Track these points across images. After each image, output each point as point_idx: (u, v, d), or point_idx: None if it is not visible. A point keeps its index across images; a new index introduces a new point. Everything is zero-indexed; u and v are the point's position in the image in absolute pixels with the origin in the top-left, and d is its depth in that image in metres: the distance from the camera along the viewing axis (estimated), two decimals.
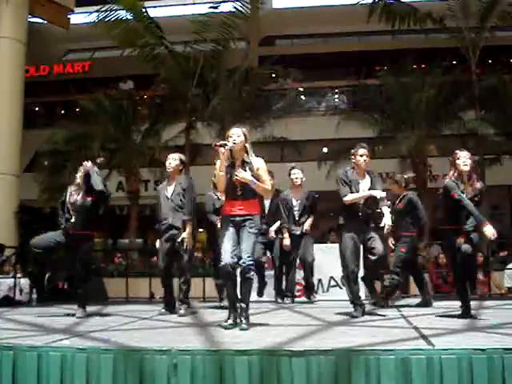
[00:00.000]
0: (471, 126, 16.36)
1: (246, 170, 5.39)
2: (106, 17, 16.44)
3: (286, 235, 8.48)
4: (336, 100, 24.91)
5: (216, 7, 16.69)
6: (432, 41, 20.52)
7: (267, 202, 8.15)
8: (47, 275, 10.59)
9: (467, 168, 5.77)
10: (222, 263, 5.33)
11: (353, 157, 6.52)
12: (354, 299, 6.39)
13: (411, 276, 8.54)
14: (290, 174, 8.61)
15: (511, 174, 18.21)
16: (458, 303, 6.16)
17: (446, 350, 3.83)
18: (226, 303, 7.80)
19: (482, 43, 16.87)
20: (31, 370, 4.09)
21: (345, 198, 6.37)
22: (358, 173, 6.48)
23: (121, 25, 16.45)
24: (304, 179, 8.61)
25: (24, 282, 10.91)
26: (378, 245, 6.25)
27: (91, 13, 17.10)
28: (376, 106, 17.44)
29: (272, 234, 8.44)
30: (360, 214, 6.36)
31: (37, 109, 26.00)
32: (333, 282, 9.50)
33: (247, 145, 5.50)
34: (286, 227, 8.51)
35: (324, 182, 14.91)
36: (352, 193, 6.38)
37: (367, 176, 6.52)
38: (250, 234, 5.35)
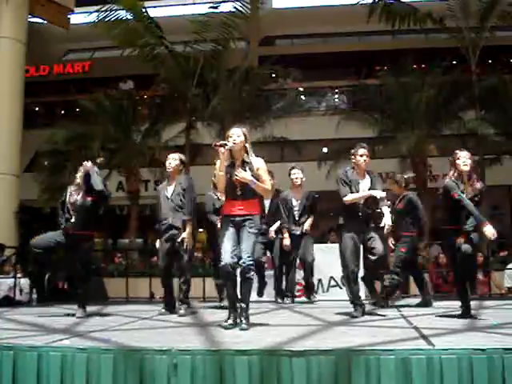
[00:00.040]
0: (471, 125, 16.36)
1: (245, 170, 5.39)
2: (105, 17, 16.44)
3: (286, 235, 8.49)
4: (336, 100, 24.92)
5: (216, 7, 16.69)
6: (432, 41, 20.51)
7: (267, 202, 8.15)
8: (47, 275, 10.62)
9: (467, 168, 5.76)
10: (222, 263, 5.33)
11: (353, 157, 6.53)
12: (354, 299, 6.39)
13: (411, 276, 8.54)
14: (290, 174, 8.61)
15: (511, 173, 18.20)
16: (458, 303, 6.16)
17: (446, 349, 3.83)
18: (226, 303, 7.82)
19: (482, 43, 16.87)
20: (31, 370, 4.09)
21: (345, 198, 6.37)
22: (358, 173, 6.48)
23: (121, 25, 16.45)
24: (304, 179, 8.60)
25: (24, 282, 10.92)
26: (377, 245, 6.25)
27: (91, 13, 17.10)
28: (376, 106, 17.44)
29: (272, 233, 8.44)
30: (360, 213, 6.36)
31: (37, 109, 26.00)
32: (333, 282, 9.50)
33: (247, 145, 5.50)
34: (286, 227, 8.52)
35: (324, 181, 14.91)
36: (352, 193, 6.38)
37: (367, 176, 6.53)
38: (249, 233, 5.35)
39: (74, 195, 6.80)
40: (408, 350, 3.84)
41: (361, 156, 6.46)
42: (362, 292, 7.66)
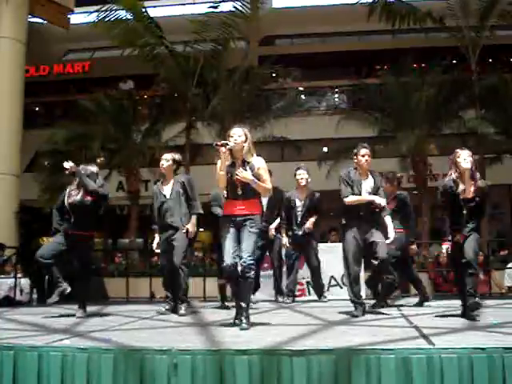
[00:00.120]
0: (471, 124, 16.36)
1: (246, 170, 5.40)
2: (105, 17, 16.44)
3: (285, 235, 8.55)
4: (336, 99, 24.92)
5: (216, 7, 16.69)
6: (432, 40, 20.50)
7: (264, 200, 8.14)
8: (47, 275, 10.60)
9: (468, 165, 5.71)
10: (224, 264, 5.39)
11: (355, 157, 6.54)
12: (355, 298, 6.40)
13: (404, 275, 8.46)
14: (295, 175, 8.62)
15: (511, 173, 18.20)
16: (458, 302, 6.15)
17: (447, 349, 3.83)
18: (227, 303, 7.87)
19: (482, 42, 16.87)
20: (32, 369, 4.10)
21: (346, 199, 6.39)
22: (360, 173, 6.50)
23: (121, 25, 16.45)
24: (309, 180, 8.62)
25: (24, 282, 10.92)
26: (380, 250, 6.27)
27: (91, 13, 17.10)
28: (376, 106, 17.44)
29: (272, 231, 8.42)
30: (361, 213, 6.37)
31: (37, 109, 26.00)
32: (333, 282, 9.51)
33: (248, 144, 5.50)
34: (285, 227, 8.54)
35: (324, 181, 14.90)
36: (354, 193, 6.40)
37: (370, 176, 6.55)
38: (250, 233, 5.36)
39: (72, 196, 6.80)
40: (408, 350, 3.84)
41: (362, 156, 6.48)
42: (363, 292, 7.66)
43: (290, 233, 8.61)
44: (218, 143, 5.40)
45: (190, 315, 6.90)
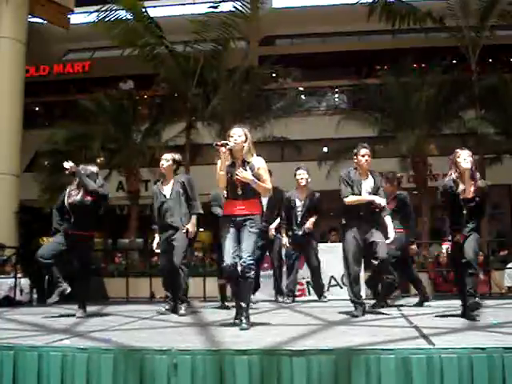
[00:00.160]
0: (471, 125, 16.36)
1: (246, 170, 5.40)
2: (105, 17, 16.44)
3: (284, 235, 8.56)
4: (336, 99, 24.92)
5: (216, 7, 16.69)
6: (432, 40, 20.50)
7: (264, 200, 8.13)
8: (47, 275, 10.60)
9: (468, 165, 5.70)
10: (224, 264, 5.41)
11: (355, 157, 6.55)
12: (355, 298, 6.40)
13: (404, 275, 8.45)
14: (295, 175, 8.62)
15: (511, 173, 18.20)
16: (458, 302, 6.15)
17: (447, 349, 3.83)
18: (227, 304, 7.86)
19: (482, 42, 16.87)
20: (32, 369, 4.10)
21: (345, 199, 6.41)
22: (360, 173, 6.51)
23: (121, 25, 16.45)
24: (310, 180, 8.62)
25: (24, 282, 10.93)
26: (380, 250, 6.28)
27: (91, 13, 17.11)
28: (376, 106, 17.44)
29: (272, 231, 8.42)
30: (362, 213, 6.38)
31: (37, 109, 26.00)
32: (333, 282, 9.51)
33: (248, 144, 5.51)
34: (285, 227, 8.55)
35: (324, 181, 14.90)
36: (354, 193, 6.41)
37: (370, 176, 6.56)
38: (250, 233, 5.36)
39: (72, 196, 6.80)
40: (408, 350, 3.84)
41: (362, 156, 6.49)
42: (363, 292, 7.66)
43: (290, 233, 8.61)
44: (218, 143, 5.41)
45: (190, 315, 6.90)
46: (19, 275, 10.77)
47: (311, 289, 9.27)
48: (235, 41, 17.54)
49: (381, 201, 6.42)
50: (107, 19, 16.46)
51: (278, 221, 8.50)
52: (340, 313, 6.62)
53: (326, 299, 8.73)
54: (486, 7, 16.26)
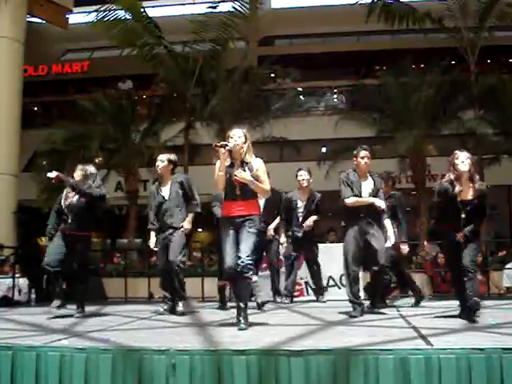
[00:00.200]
0: (470, 125, 16.36)
1: (245, 171, 5.41)
2: (104, 16, 16.42)
3: (283, 235, 8.58)
4: (335, 100, 24.93)
5: (215, 7, 16.68)
6: (431, 40, 20.52)
7: (261, 201, 8.12)
8: (45, 275, 10.60)
9: (466, 168, 5.68)
10: (225, 267, 5.45)
11: (354, 159, 6.60)
12: (354, 299, 6.40)
13: (395, 276, 8.42)
14: (297, 176, 8.63)
15: (510, 173, 18.21)
16: (456, 303, 6.15)
17: (445, 349, 3.83)
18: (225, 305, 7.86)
19: (481, 43, 16.87)
20: (30, 369, 4.09)
21: (346, 200, 6.46)
22: (359, 175, 6.55)
23: (119, 24, 16.43)
24: (311, 181, 8.63)
25: (23, 282, 10.91)
26: (380, 256, 6.35)
27: (90, 12, 17.08)
28: (375, 106, 17.44)
29: (271, 232, 8.41)
30: (362, 215, 6.41)
31: (35, 109, 25.96)
32: (331, 282, 9.52)
33: (247, 145, 5.53)
34: (284, 227, 8.57)
35: (323, 182, 14.89)
36: (354, 194, 6.45)
37: (369, 178, 6.61)
38: (249, 233, 5.37)
39: (69, 198, 6.84)
40: (406, 350, 3.84)
41: (362, 158, 6.56)
42: (362, 292, 7.66)
43: (290, 233, 8.61)
44: (218, 144, 5.43)
45: (189, 315, 6.90)
46: (17, 275, 10.76)
47: (310, 289, 9.28)
48: (234, 41, 17.54)
49: (381, 203, 6.45)
50: (106, 19, 16.44)
51: (276, 221, 8.49)
52: (338, 313, 6.63)
53: (324, 299, 8.73)
54: (484, 8, 16.27)
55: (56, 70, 26.30)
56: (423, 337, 4.49)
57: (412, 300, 8.14)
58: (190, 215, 7.08)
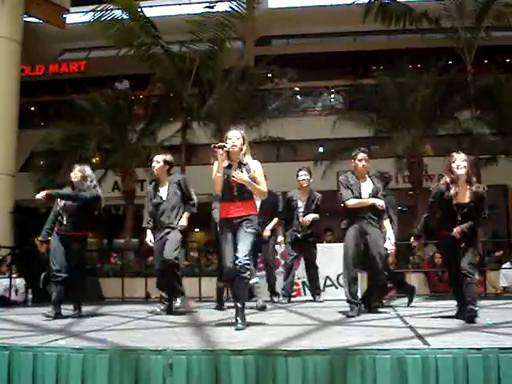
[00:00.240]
0: (467, 125, 16.38)
1: (242, 172, 5.43)
2: (101, 16, 16.39)
3: (281, 234, 8.60)
4: (332, 100, 24.94)
5: (212, 7, 16.66)
6: (428, 41, 20.53)
7: (257, 202, 8.11)
8: (42, 275, 10.60)
9: (462, 172, 5.68)
10: (225, 269, 5.52)
11: (352, 160, 6.65)
12: (352, 299, 6.41)
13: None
14: (297, 176, 8.63)
15: (507, 173, 18.24)
16: (453, 303, 6.16)
17: (442, 349, 3.84)
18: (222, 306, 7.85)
19: (478, 43, 16.88)
20: (26, 370, 4.09)
21: (347, 202, 6.54)
22: (358, 176, 6.62)
23: (116, 24, 16.40)
24: (312, 181, 8.64)
25: (20, 282, 10.90)
26: (377, 262, 6.42)
27: (87, 12, 17.06)
28: (372, 106, 17.45)
29: (268, 232, 8.39)
30: (362, 215, 6.45)
31: (32, 108, 25.93)
32: (328, 282, 9.52)
33: (245, 147, 5.55)
34: (283, 226, 8.60)
35: (320, 181, 14.91)
36: (355, 196, 6.52)
37: (368, 179, 6.67)
38: (246, 233, 5.39)
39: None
40: (403, 350, 3.85)
41: (359, 161, 6.63)
42: (360, 292, 7.67)
43: (289, 232, 8.60)
44: (216, 145, 5.44)
45: (186, 315, 6.90)
46: (14, 275, 10.75)
47: (307, 289, 9.28)
48: (231, 41, 17.51)
49: (380, 202, 6.51)
50: (103, 19, 16.41)
51: (273, 222, 8.48)
52: (335, 313, 6.63)
53: (321, 299, 8.73)
54: (481, 8, 16.29)
55: (53, 70, 26.28)
56: (420, 336, 4.49)
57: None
58: (186, 214, 7.10)
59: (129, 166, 18.03)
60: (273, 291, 8.68)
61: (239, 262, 5.27)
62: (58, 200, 6.90)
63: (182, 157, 16.77)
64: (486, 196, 5.83)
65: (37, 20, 19.26)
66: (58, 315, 6.62)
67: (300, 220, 8.49)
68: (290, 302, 8.51)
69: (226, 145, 5.43)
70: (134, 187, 18.39)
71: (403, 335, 4.62)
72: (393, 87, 16.70)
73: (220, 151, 5.40)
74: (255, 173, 5.51)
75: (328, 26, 24.31)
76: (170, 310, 7.05)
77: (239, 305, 5.36)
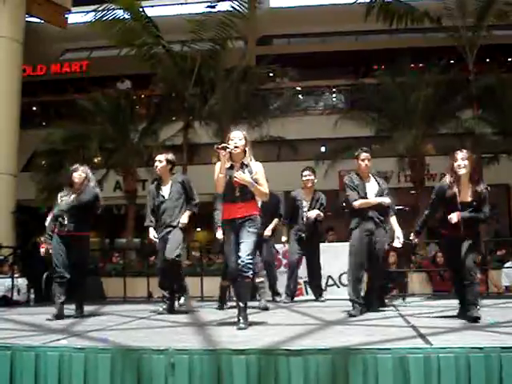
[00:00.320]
0: (468, 124, 16.36)
1: (244, 173, 5.44)
2: (103, 16, 16.37)
3: (284, 233, 8.62)
4: (333, 99, 24.89)
5: (213, 6, 16.67)
6: (429, 40, 20.50)
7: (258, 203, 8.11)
8: (45, 275, 10.61)
9: (463, 171, 5.65)
10: (229, 270, 5.60)
11: (356, 160, 6.68)
12: (355, 298, 6.41)
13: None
14: (301, 176, 8.63)
15: (509, 173, 18.22)
16: (455, 302, 6.16)
17: (444, 348, 3.84)
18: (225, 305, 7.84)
19: (479, 42, 16.84)
20: (29, 369, 4.09)
21: (354, 203, 6.58)
22: (362, 177, 6.65)
23: (118, 24, 16.39)
24: (316, 181, 8.63)
25: (22, 282, 10.91)
26: (379, 262, 6.56)
27: (88, 12, 17.05)
28: (373, 105, 17.40)
29: (268, 233, 8.37)
30: (369, 215, 6.48)
31: (34, 108, 25.91)
32: (330, 281, 9.52)
33: (247, 148, 5.58)
34: (286, 225, 8.63)
35: (321, 181, 14.88)
36: (361, 197, 6.58)
37: (372, 179, 6.71)
38: (249, 233, 5.41)
39: (64, 201, 6.86)
40: (405, 349, 3.85)
41: (362, 160, 6.69)
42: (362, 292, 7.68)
43: (294, 232, 8.59)
44: (219, 146, 5.46)
45: (188, 314, 6.91)
46: (16, 275, 10.76)
47: (308, 288, 9.27)
48: (233, 40, 17.49)
49: (385, 200, 6.56)
50: (104, 19, 16.40)
51: (273, 223, 8.45)
52: (337, 312, 6.63)
53: (323, 299, 8.72)
54: (483, 7, 16.25)
55: (55, 70, 26.27)
56: (422, 336, 4.49)
57: (412, 299, 8.16)
58: (187, 212, 7.12)
59: (130, 165, 18.02)
60: (274, 291, 8.67)
61: (241, 261, 5.29)
62: (59, 201, 6.90)
63: (183, 156, 16.77)
64: (488, 195, 5.81)
65: (38, 20, 19.31)
66: (60, 316, 6.62)
67: (304, 220, 8.49)
68: (292, 300, 8.50)
69: (229, 146, 5.45)
70: (135, 187, 18.39)
71: (405, 334, 4.62)
72: (394, 86, 16.67)
73: (223, 152, 5.41)
74: (257, 174, 5.53)
75: (329, 26, 24.28)
76: (172, 310, 7.06)
77: (241, 304, 5.38)
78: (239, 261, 5.31)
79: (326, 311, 6.92)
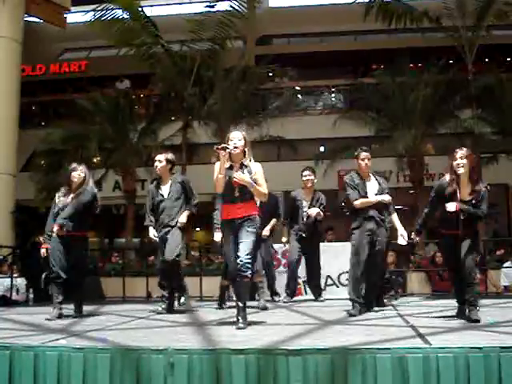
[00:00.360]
0: (467, 124, 16.38)
1: (244, 173, 5.45)
2: (102, 16, 16.37)
3: (285, 234, 8.65)
4: (332, 99, 24.87)
5: (212, 6, 16.65)
6: (428, 39, 20.45)
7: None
8: (43, 275, 10.60)
9: (462, 170, 5.65)
10: (229, 270, 5.65)
11: (355, 160, 6.68)
12: (355, 297, 6.41)
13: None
14: (301, 176, 8.63)
15: (508, 172, 18.21)
16: (454, 302, 6.16)
17: (443, 348, 3.84)
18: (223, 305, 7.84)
19: (479, 42, 16.84)
20: (28, 369, 4.09)
21: (355, 203, 6.60)
22: (362, 176, 6.67)
23: (117, 24, 16.38)
24: (316, 181, 8.63)
25: (21, 282, 10.91)
26: (378, 262, 6.58)
27: (87, 12, 17.04)
28: (372, 105, 17.42)
29: (267, 232, 8.36)
30: (370, 214, 6.48)
31: (33, 108, 25.87)
32: (329, 281, 9.53)
33: (246, 148, 5.58)
34: (287, 225, 8.65)
35: (321, 181, 14.87)
36: (361, 196, 6.58)
37: (372, 178, 6.72)
38: (248, 232, 5.41)
39: (62, 201, 6.86)
40: (404, 349, 3.85)
41: (362, 160, 6.71)
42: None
43: (295, 232, 8.59)
44: (219, 147, 5.47)
45: (187, 314, 6.91)
46: (15, 275, 10.76)
47: (308, 288, 9.27)
48: (232, 40, 17.49)
49: (386, 198, 6.58)
50: (103, 18, 16.39)
51: (271, 223, 8.43)
52: (336, 312, 6.63)
53: (322, 298, 8.72)
54: (482, 7, 16.25)
55: (54, 70, 26.24)
56: (421, 335, 4.49)
57: (411, 299, 8.16)
58: (186, 212, 7.13)
59: (129, 165, 18.01)
60: (273, 291, 8.68)
61: (240, 260, 5.30)
62: (57, 201, 6.90)
63: (182, 156, 16.76)
64: (487, 194, 5.81)
65: (37, 20, 19.28)
66: (59, 316, 6.62)
67: (304, 220, 8.49)
68: (292, 300, 8.50)
69: (228, 146, 5.45)
70: (134, 187, 18.38)
71: (404, 334, 4.62)
72: (394, 86, 16.67)
73: (222, 152, 5.41)
74: (256, 174, 5.53)
75: (328, 25, 24.27)
76: (171, 309, 7.07)
77: (241, 304, 5.38)
78: (238, 260, 5.31)
79: (325, 311, 6.92)
